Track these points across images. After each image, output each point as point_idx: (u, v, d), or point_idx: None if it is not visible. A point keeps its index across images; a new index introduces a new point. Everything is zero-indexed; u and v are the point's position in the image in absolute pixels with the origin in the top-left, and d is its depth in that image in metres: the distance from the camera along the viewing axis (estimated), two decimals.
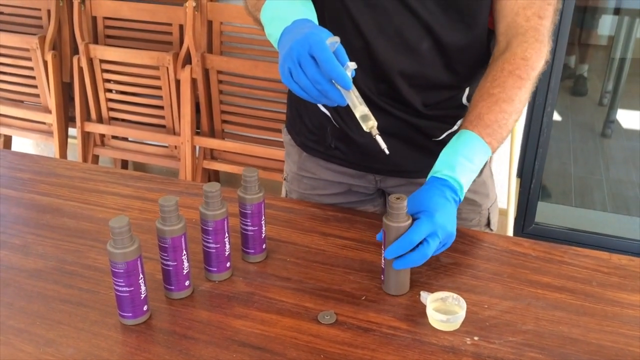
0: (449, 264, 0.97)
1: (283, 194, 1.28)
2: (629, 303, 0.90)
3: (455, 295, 0.87)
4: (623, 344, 0.82)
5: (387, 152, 0.86)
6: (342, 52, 0.83)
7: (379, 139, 0.86)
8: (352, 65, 0.83)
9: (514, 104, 0.95)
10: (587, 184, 3.04)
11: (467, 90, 1.08)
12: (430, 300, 0.86)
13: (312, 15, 0.92)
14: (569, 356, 0.80)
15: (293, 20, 0.88)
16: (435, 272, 0.96)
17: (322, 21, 1.01)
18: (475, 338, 0.83)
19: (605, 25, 3.72)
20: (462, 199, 0.93)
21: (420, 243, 0.86)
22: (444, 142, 0.97)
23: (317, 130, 1.14)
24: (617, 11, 3.61)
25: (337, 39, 0.83)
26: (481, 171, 1.15)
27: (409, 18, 0.97)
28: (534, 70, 0.97)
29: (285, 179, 1.26)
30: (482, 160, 0.94)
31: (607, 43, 3.69)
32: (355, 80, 0.83)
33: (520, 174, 2.51)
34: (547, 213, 2.70)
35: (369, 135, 0.86)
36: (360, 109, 0.86)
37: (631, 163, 3.18)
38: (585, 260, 0.99)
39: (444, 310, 0.86)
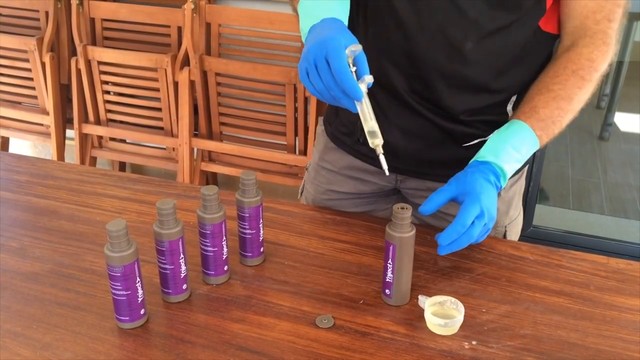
0: (447, 268, 0.97)
1: (302, 185, 1.28)
2: (627, 307, 0.90)
3: (453, 299, 0.86)
4: (621, 348, 0.82)
5: (387, 173, 0.87)
6: (363, 61, 0.82)
7: (382, 158, 0.86)
8: (369, 79, 0.83)
9: (572, 102, 0.94)
10: (585, 187, 3.04)
11: (513, 98, 1.04)
12: (429, 304, 0.86)
13: (343, 14, 0.90)
14: None
15: (322, 18, 0.87)
16: (434, 276, 0.96)
17: (363, 13, 0.99)
18: (473, 342, 0.82)
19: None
20: (503, 186, 0.93)
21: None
22: (473, 148, 0.96)
23: (350, 124, 1.13)
24: None
25: (358, 47, 0.82)
26: (509, 189, 1.13)
27: (453, 14, 0.94)
28: (597, 72, 0.96)
29: (306, 169, 1.26)
30: (529, 151, 0.94)
31: None
32: (371, 93, 0.82)
33: None
34: (544, 216, 2.70)
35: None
36: (370, 124, 0.85)
37: (629, 166, 3.18)
38: (583, 264, 0.99)
39: (442, 314, 0.86)
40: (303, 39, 0.91)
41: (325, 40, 0.81)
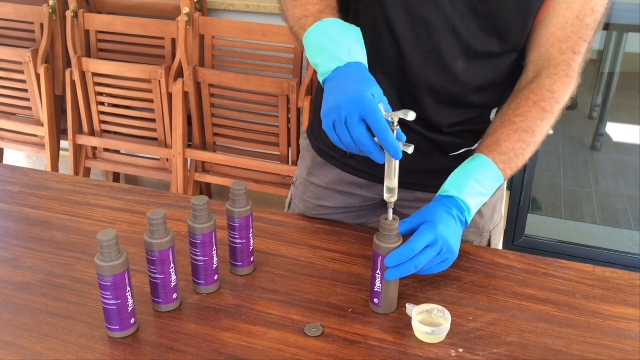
0: (435, 277, 0.98)
1: (288, 199, 1.28)
2: (611, 315, 0.91)
3: (440, 308, 0.87)
4: (605, 355, 0.83)
5: (390, 219, 0.87)
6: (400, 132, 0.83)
7: (390, 211, 0.87)
8: (411, 149, 0.83)
9: (534, 135, 0.95)
10: (577, 197, 3.06)
11: (495, 110, 1.07)
12: (416, 313, 0.87)
13: (362, 51, 0.90)
14: None
15: (346, 61, 0.86)
16: (422, 285, 0.97)
17: (359, 25, 0.99)
18: (460, 350, 0.83)
19: (595, 40, 3.76)
20: (469, 221, 0.92)
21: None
22: (460, 157, 0.97)
23: None
24: (606, 26, 3.64)
25: (392, 115, 0.83)
26: (494, 194, 1.14)
27: (449, 36, 0.96)
28: (558, 104, 0.96)
29: (293, 184, 1.26)
30: (493, 186, 0.94)
31: (596, 57, 3.73)
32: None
33: (510, 186, 2.53)
34: (537, 226, 2.71)
35: None
36: (393, 182, 0.87)
37: (620, 176, 3.20)
38: (570, 272, 1.01)
39: (430, 322, 0.87)
40: (319, 72, 0.90)
41: (359, 98, 0.80)
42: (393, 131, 0.82)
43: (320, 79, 0.90)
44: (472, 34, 0.96)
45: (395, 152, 0.82)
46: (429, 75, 1.00)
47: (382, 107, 0.83)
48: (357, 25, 1.00)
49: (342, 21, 0.93)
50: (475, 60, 0.99)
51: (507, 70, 1.02)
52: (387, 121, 0.82)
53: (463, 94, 1.02)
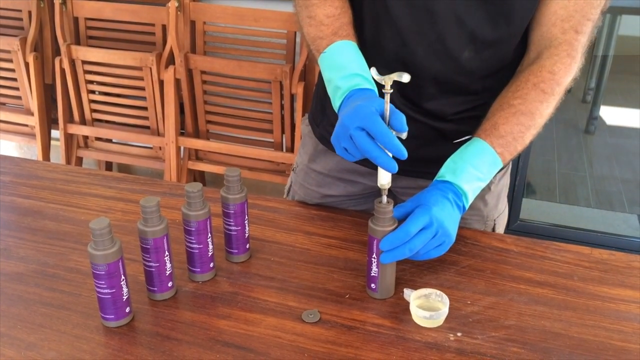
0: (432, 261, 0.98)
1: (287, 185, 1.27)
2: (610, 297, 0.91)
3: (438, 292, 0.87)
4: (604, 337, 0.83)
5: (384, 202, 0.86)
6: (399, 119, 0.82)
7: (384, 197, 0.87)
8: (404, 135, 0.83)
9: (533, 117, 0.93)
10: (571, 181, 3.07)
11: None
12: (414, 297, 0.86)
13: (365, 75, 0.92)
14: (551, 350, 0.80)
15: (350, 89, 0.89)
16: (419, 269, 0.96)
17: (360, 21, 0.99)
18: (459, 334, 0.83)
19: (601, 18, 3.74)
20: (466, 206, 0.91)
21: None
22: (463, 144, 0.96)
23: None
24: None
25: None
26: (498, 182, 1.13)
27: (454, 25, 0.93)
28: (559, 85, 0.94)
29: (293, 170, 1.25)
30: (491, 170, 0.92)
31: None
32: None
33: None
34: (532, 210, 2.72)
35: None
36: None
37: (614, 159, 3.21)
38: (567, 255, 1.00)
39: (427, 307, 0.86)
40: (336, 101, 0.92)
41: (357, 110, 0.82)
42: (385, 97, 0.81)
43: (337, 110, 0.92)
44: (478, 22, 0.93)
45: (398, 153, 0.81)
46: (433, 65, 0.98)
47: (374, 70, 0.82)
48: (359, 19, 0.98)
49: (347, 46, 0.94)
50: (483, 49, 0.96)
51: (513, 54, 1.00)
52: (380, 84, 0.82)
53: (468, 82, 1.01)
